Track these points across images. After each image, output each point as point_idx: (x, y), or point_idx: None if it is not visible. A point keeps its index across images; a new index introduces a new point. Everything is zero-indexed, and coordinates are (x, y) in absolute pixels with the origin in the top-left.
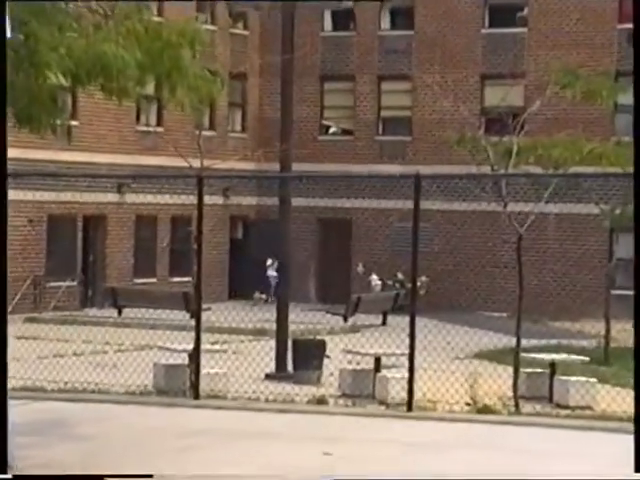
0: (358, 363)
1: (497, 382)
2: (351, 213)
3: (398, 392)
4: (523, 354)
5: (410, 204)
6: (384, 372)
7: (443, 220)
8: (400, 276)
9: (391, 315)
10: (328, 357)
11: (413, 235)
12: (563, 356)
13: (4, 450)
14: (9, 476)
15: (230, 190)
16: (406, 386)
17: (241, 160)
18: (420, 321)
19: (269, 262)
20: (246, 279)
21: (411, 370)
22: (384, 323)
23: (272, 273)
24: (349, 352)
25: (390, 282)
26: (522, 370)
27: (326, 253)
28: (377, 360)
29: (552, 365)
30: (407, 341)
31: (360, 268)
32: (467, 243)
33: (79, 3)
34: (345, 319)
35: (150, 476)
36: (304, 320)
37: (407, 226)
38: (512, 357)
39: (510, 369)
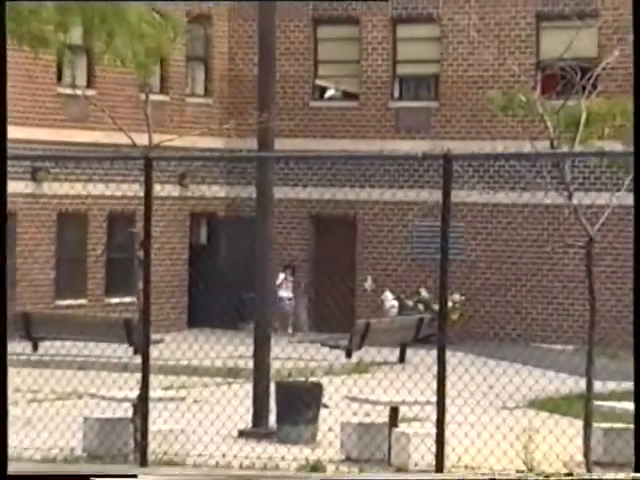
0: (367, 415)
1: (561, 441)
2: (356, 207)
3: (423, 455)
4: (597, 402)
5: (437, 195)
6: (403, 427)
7: (483, 217)
8: (424, 294)
9: (412, 348)
10: (326, 407)
11: (442, 237)
12: None
13: (4, 451)
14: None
15: (190, 177)
16: (434, 447)
17: (205, 135)
18: (453, 356)
19: (281, 277)
20: (213, 299)
21: (441, 424)
22: (402, 359)
23: (286, 294)
24: (354, 400)
25: (410, 302)
26: (596, 425)
27: (322, 263)
28: (394, 411)
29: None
30: (434, 384)
31: (369, 283)
32: (517, 249)
33: None
34: (349, 354)
35: (135, 476)
36: (292, 355)
37: (433, 225)
38: (581, 406)
39: (579, 423)
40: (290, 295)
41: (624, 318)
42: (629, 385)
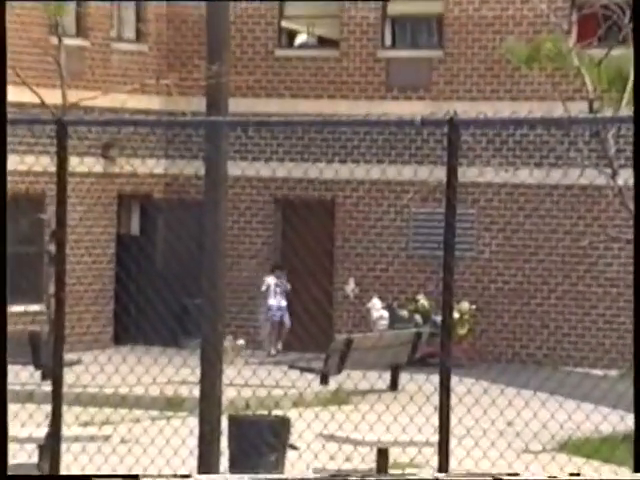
0: (348, 459)
1: None
2: (335, 189)
3: None
4: None
5: (440, 172)
6: (395, 474)
7: (500, 201)
8: (423, 302)
9: (407, 372)
10: (294, 448)
11: (446, 228)
12: None
13: (4, 452)
14: None
15: (117, 147)
16: None
17: (137, 92)
18: (460, 383)
19: (269, 281)
20: (148, 307)
21: (444, 472)
22: (394, 386)
23: (275, 301)
24: (332, 439)
25: (405, 312)
26: None
27: (290, 260)
28: (382, 454)
29: None
30: (435, 420)
31: (351, 287)
32: (543, 243)
33: None
34: (324, 379)
35: (135, 476)
36: (251, 381)
37: (435, 212)
38: (629, 450)
39: (625, 471)
40: (282, 303)
41: None
42: None
